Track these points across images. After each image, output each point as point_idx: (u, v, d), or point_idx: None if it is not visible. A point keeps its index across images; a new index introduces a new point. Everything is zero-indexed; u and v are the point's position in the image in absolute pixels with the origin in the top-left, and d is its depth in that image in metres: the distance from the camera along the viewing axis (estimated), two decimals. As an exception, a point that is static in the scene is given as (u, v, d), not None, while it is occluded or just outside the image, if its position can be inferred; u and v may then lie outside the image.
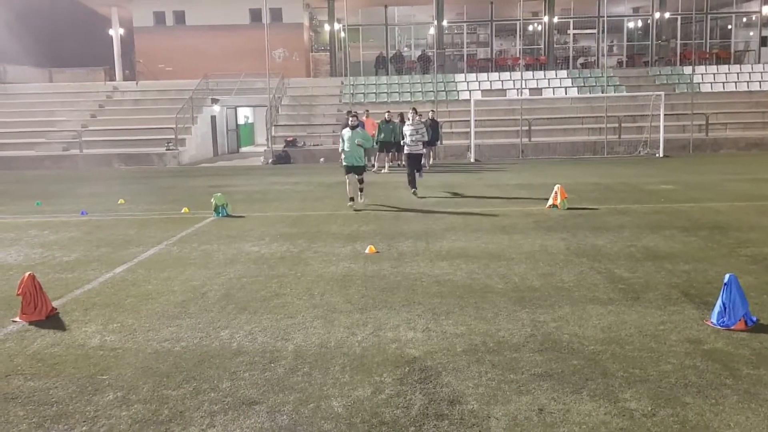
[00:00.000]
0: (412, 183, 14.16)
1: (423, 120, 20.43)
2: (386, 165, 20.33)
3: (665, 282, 6.75)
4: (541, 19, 34.49)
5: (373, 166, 20.16)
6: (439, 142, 22.15)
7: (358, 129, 12.45)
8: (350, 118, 12.54)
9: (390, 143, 19.80)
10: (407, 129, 14.34)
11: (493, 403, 4.12)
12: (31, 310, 6.03)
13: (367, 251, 8.53)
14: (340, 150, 12.72)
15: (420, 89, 30.21)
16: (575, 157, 23.72)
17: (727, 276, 5.36)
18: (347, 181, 12.47)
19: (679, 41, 35.18)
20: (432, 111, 22.19)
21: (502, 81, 30.84)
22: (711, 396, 4.13)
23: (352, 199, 12.47)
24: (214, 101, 28.93)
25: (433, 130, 20.44)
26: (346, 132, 12.37)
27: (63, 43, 36.73)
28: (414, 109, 15.85)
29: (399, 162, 21.22)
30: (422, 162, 15.98)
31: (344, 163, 12.56)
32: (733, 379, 4.37)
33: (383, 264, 7.88)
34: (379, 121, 20.54)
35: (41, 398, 4.38)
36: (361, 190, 12.77)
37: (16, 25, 32.79)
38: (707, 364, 4.61)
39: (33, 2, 34.71)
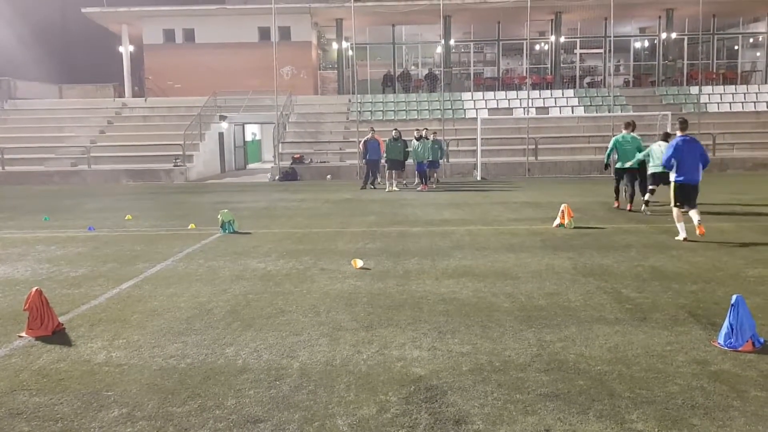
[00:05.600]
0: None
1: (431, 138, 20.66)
2: (394, 183, 20.36)
3: (672, 302, 6.72)
4: (548, 38, 34.69)
5: (386, 183, 20.30)
6: (443, 160, 22.32)
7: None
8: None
9: (397, 161, 20.05)
10: None
11: (499, 423, 4.10)
12: (38, 326, 6.04)
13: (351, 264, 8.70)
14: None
15: (427, 107, 30.36)
16: (582, 175, 23.71)
17: (734, 297, 5.33)
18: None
19: (685, 61, 35.27)
20: (426, 129, 21.98)
21: (508, 99, 30.97)
22: (718, 418, 4.10)
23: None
24: (222, 118, 29.12)
25: (439, 149, 20.88)
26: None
27: (73, 60, 37.20)
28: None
29: (405, 181, 21.39)
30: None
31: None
32: (740, 400, 4.34)
33: (389, 282, 7.87)
34: (386, 139, 20.63)
35: (46, 414, 4.38)
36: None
37: (27, 41, 33.22)
38: (714, 386, 4.58)
39: (44, 19, 35.16)
